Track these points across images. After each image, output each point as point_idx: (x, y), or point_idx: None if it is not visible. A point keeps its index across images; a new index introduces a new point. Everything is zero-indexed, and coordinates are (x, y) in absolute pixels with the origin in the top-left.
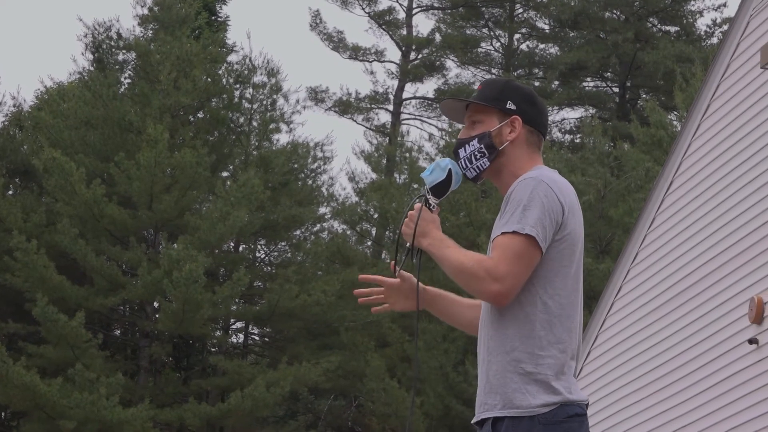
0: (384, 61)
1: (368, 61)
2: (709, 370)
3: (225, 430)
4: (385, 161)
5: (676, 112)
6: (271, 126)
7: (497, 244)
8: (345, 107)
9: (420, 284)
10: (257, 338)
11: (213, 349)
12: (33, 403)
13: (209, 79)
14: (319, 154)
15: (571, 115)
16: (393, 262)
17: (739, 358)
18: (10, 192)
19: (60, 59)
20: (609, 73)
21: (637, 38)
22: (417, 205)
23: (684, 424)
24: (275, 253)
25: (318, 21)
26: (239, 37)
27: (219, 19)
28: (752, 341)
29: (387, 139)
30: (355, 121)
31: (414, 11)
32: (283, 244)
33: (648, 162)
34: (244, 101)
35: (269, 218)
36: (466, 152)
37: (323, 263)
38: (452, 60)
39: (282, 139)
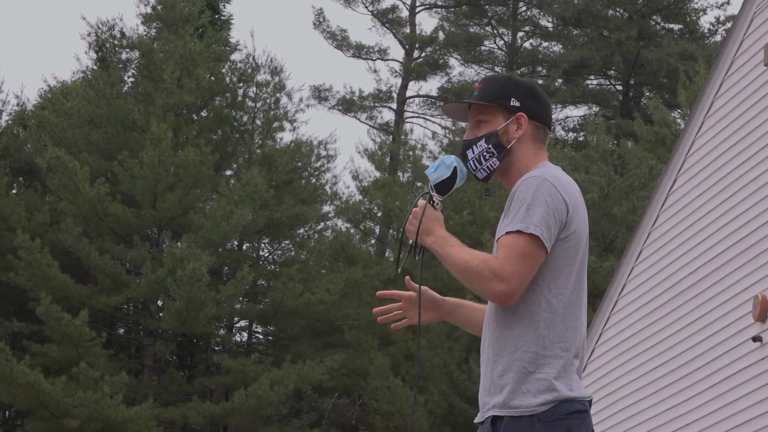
0: (387, 60)
1: (372, 60)
2: (712, 367)
3: (229, 428)
4: (388, 159)
5: (679, 110)
6: (275, 124)
7: (502, 244)
8: (348, 105)
9: (439, 296)
10: (261, 337)
11: (217, 348)
12: (37, 401)
13: (212, 78)
14: (323, 153)
15: (575, 113)
16: (400, 271)
17: (743, 356)
18: (14, 191)
19: (63, 58)
20: (612, 71)
21: (641, 36)
22: (421, 202)
23: (688, 422)
24: (279, 252)
25: (321, 19)
26: (242, 36)
27: (222, 17)
28: (756, 339)
29: (390, 137)
30: (358, 119)
31: (417, 9)
32: (286, 242)
33: (651, 160)
34: (247, 100)
35: (273, 217)
36: (474, 153)
37: (327, 261)
38: (455, 58)
39: (285, 137)
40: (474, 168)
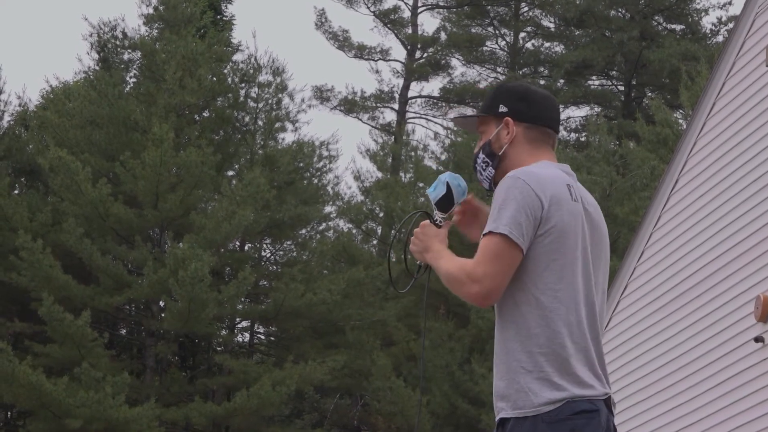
0: (389, 60)
1: (373, 60)
2: (714, 368)
3: (231, 429)
4: (390, 160)
5: (681, 111)
6: (277, 125)
7: (479, 249)
8: (350, 106)
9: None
10: (263, 337)
11: (219, 348)
12: (39, 402)
13: (214, 78)
14: (325, 153)
15: (577, 113)
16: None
17: (745, 356)
18: (16, 191)
19: (65, 59)
20: (614, 72)
21: (643, 36)
22: (425, 222)
23: (689, 423)
24: (281, 252)
25: (323, 20)
26: (244, 36)
27: (224, 18)
28: (758, 339)
29: (392, 137)
30: (360, 119)
31: (419, 10)
32: (288, 243)
33: (653, 160)
34: (249, 100)
35: (275, 217)
36: (477, 164)
37: (329, 262)
38: (457, 59)
39: (287, 138)
40: (480, 180)
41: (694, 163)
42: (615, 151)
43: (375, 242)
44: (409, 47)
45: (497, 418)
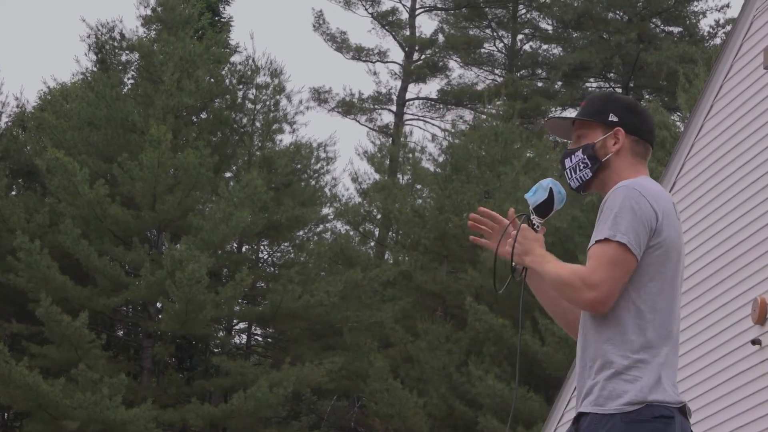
0: (387, 62)
1: (371, 62)
2: (712, 371)
3: (228, 430)
4: (388, 162)
5: (679, 113)
6: (274, 126)
7: (591, 254)
8: (348, 108)
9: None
10: (260, 339)
11: (216, 350)
12: (36, 403)
13: (212, 80)
14: (322, 155)
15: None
16: (502, 291)
17: (742, 359)
18: (14, 192)
19: (63, 60)
20: (612, 74)
21: (640, 39)
22: (515, 223)
23: None
24: (278, 254)
25: (321, 21)
26: (242, 38)
27: (222, 19)
28: (755, 342)
29: (390, 139)
30: (358, 121)
31: (417, 12)
32: (286, 244)
33: (651, 163)
34: (247, 102)
35: (272, 219)
36: (571, 162)
37: (326, 264)
38: (455, 60)
39: (285, 139)
40: (569, 177)
41: (692, 166)
42: None
43: (372, 244)
44: (406, 49)
45: (578, 411)
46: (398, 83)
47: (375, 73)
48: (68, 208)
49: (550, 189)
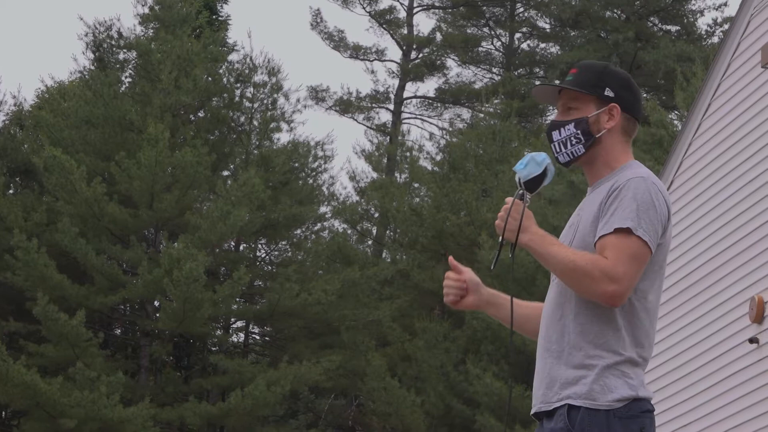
0: (385, 60)
1: (369, 60)
2: (709, 369)
3: (225, 429)
4: (385, 160)
5: (676, 112)
6: (272, 125)
7: (610, 243)
8: (346, 106)
9: (480, 281)
10: (258, 337)
11: (213, 348)
12: (33, 401)
13: (210, 78)
14: (320, 153)
15: None
16: (494, 268)
17: (740, 357)
18: (11, 191)
19: (61, 58)
20: None
21: (638, 37)
22: (509, 200)
23: (684, 424)
24: (276, 252)
25: (319, 20)
26: (240, 36)
27: (220, 18)
28: (752, 340)
29: (388, 138)
30: (355, 120)
31: (415, 10)
32: (283, 243)
33: (649, 161)
34: (244, 100)
35: (270, 217)
36: (560, 135)
37: (324, 262)
38: (453, 59)
39: (283, 138)
40: (557, 150)
41: (690, 164)
42: None
43: (370, 243)
44: (404, 48)
45: (562, 402)
46: (396, 82)
47: (373, 72)
48: (66, 206)
49: (546, 166)
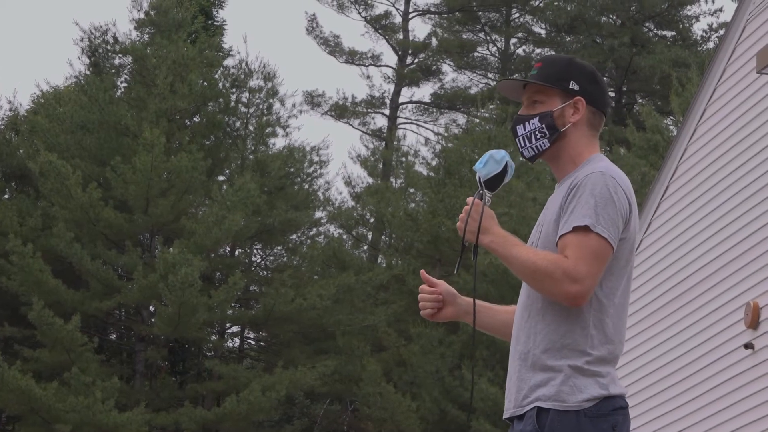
0: (380, 66)
1: (364, 66)
2: (704, 374)
3: None
4: (381, 165)
5: (672, 117)
6: (268, 130)
7: (570, 242)
8: (341, 111)
9: (456, 292)
10: (253, 342)
11: (209, 353)
12: (28, 406)
13: (205, 83)
14: (315, 158)
15: None
16: (457, 271)
17: (735, 363)
18: (6, 196)
19: (56, 63)
20: (605, 78)
21: (634, 43)
22: (469, 200)
23: (680, 429)
24: (271, 257)
25: (314, 25)
26: (236, 42)
27: (215, 23)
28: (748, 346)
29: (383, 143)
30: (351, 125)
31: (410, 16)
32: (279, 248)
33: (644, 166)
34: (240, 105)
35: (265, 222)
36: (525, 130)
37: (319, 267)
38: (448, 64)
39: (278, 143)
40: (522, 145)
41: (685, 170)
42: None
43: (365, 248)
44: (400, 53)
45: (533, 405)
46: (391, 87)
47: (368, 77)
48: (61, 211)
49: (506, 163)
